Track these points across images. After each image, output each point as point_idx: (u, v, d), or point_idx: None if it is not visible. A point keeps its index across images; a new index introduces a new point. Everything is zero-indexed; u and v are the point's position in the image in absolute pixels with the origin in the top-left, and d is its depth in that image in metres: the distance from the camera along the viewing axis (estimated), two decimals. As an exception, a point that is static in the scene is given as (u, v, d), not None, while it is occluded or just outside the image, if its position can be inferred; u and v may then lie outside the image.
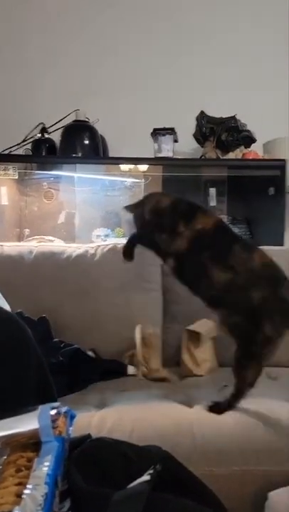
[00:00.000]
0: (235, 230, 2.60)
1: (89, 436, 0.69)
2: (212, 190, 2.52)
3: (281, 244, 2.34)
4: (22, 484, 0.50)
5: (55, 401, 0.71)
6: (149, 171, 2.54)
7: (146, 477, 0.56)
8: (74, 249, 1.93)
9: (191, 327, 1.70)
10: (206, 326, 1.73)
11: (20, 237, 2.56)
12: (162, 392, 1.45)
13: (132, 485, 0.56)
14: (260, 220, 2.61)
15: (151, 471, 0.57)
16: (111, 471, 0.59)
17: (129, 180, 2.68)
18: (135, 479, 0.57)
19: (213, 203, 2.55)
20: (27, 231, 2.61)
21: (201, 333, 1.68)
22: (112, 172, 2.64)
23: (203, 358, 1.67)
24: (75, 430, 0.66)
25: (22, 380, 0.76)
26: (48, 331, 1.62)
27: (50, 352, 1.51)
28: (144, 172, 2.54)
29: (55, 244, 2.15)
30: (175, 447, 1.13)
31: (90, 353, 1.70)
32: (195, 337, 1.70)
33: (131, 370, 1.65)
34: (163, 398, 1.39)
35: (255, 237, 2.64)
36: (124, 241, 2.08)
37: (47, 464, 0.52)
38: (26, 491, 0.48)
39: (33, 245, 2.00)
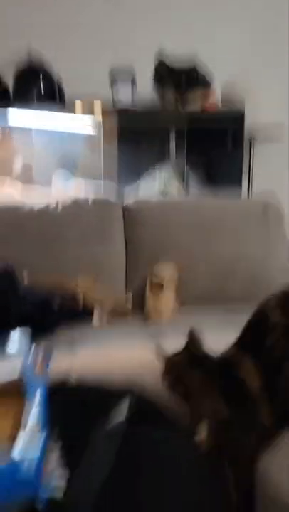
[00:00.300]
0: (194, 175, 2.67)
1: (67, 380, 0.76)
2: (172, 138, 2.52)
3: (239, 191, 2.41)
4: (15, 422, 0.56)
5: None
6: (104, 121, 2.48)
7: (122, 415, 0.63)
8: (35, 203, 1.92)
9: (154, 272, 1.77)
10: (167, 270, 1.81)
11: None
12: (129, 334, 1.53)
13: (110, 423, 0.62)
14: (219, 164, 2.65)
15: (126, 408, 0.64)
16: (92, 410, 0.66)
17: (86, 132, 2.60)
18: (113, 417, 0.64)
19: (172, 148, 2.56)
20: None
21: (163, 277, 1.75)
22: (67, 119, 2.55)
23: (166, 301, 1.76)
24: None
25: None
26: (12, 279, 1.64)
27: (17, 300, 1.55)
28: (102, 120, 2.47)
29: (15, 201, 2.11)
30: (144, 382, 1.24)
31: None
32: (158, 281, 1.77)
33: (96, 319, 1.72)
34: (130, 340, 1.47)
35: (214, 179, 2.69)
36: (83, 188, 2.09)
37: (35, 408, 0.58)
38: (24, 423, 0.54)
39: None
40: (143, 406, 0.68)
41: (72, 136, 2.49)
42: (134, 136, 2.51)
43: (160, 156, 2.66)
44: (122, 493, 0.53)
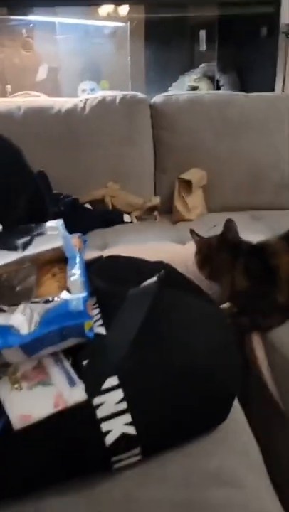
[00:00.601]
0: (225, 78, 2.55)
1: (102, 257, 0.82)
2: (202, 33, 2.36)
3: (272, 89, 2.29)
4: (61, 284, 0.63)
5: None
6: (131, 12, 2.34)
7: (154, 279, 0.69)
8: (62, 103, 1.90)
9: (183, 176, 1.78)
10: (196, 174, 1.81)
11: (3, 94, 2.46)
12: (158, 234, 1.58)
13: (142, 284, 0.69)
14: (252, 65, 2.50)
15: (158, 275, 0.69)
16: (125, 278, 0.72)
17: (112, 25, 2.49)
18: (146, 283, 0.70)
19: (202, 47, 2.41)
20: (9, 87, 2.51)
21: (191, 181, 1.76)
22: (92, 17, 2.43)
23: (194, 204, 1.79)
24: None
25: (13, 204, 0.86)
26: (47, 183, 1.68)
27: (50, 203, 1.60)
28: (128, 14, 2.35)
29: (44, 99, 2.09)
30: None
31: (87, 205, 1.81)
32: (186, 185, 1.79)
33: (127, 218, 1.78)
34: (159, 239, 1.53)
35: (246, 85, 2.58)
36: (110, 93, 2.04)
37: (77, 269, 0.64)
38: (71, 279, 0.61)
39: (20, 101, 1.95)
40: (173, 276, 0.73)
41: (99, 33, 2.38)
42: (163, 32, 2.37)
43: (190, 56, 2.53)
44: (154, 338, 0.60)
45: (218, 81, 2.58)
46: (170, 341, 0.60)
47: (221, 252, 1.09)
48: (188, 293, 0.72)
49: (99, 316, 0.63)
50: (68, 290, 0.64)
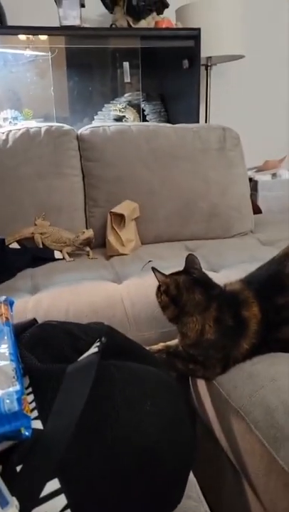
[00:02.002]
0: (150, 107, 2.58)
1: (34, 320, 0.74)
2: (126, 65, 2.37)
3: (196, 120, 2.33)
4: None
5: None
6: (53, 41, 2.29)
7: (94, 349, 0.62)
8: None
9: (115, 209, 1.74)
10: (129, 207, 1.78)
11: None
12: (92, 272, 1.52)
13: (82, 357, 0.62)
14: (176, 95, 2.55)
15: (98, 344, 0.63)
16: (61, 349, 0.65)
17: (34, 54, 2.42)
18: (84, 354, 0.64)
19: (127, 78, 2.42)
20: None
21: (124, 214, 1.72)
22: (11, 44, 2.34)
23: (127, 237, 1.75)
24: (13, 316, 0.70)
25: None
26: None
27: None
28: (49, 44, 2.29)
29: None
30: (110, 319, 1.25)
31: (15, 245, 1.71)
32: (119, 218, 1.75)
33: (58, 255, 1.70)
34: (93, 277, 1.46)
35: (170, 113, 2.61)
36: (35, 124, 1.97)
37: (5, 346, 0.56)
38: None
39: None
40: (114, 341, 0.67)
41: (19, 61, 2.30)
42: (86, 62, 2.34)
43: (115, 85, 2.53)
44: (97, 424, 0.53)
45: (143, 110, 2.59)
46: (116, 426, 0.53)
47: (190, 293, 1.01)
48: (131, 359, 0.66)
49: (34, 404, 0.56)
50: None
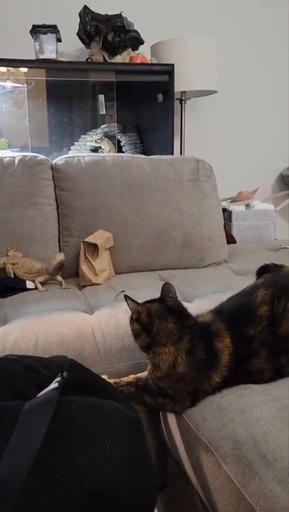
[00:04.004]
0: (126, 138, 2.63)
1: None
2: (101, 98, 2.42)
3: (171, 152, 2.38)
4: None
5: None
6: (30, 74, 2.34)
7: (54, 385, 0.61)
8: None
9: (88, 239, 1.74)
10: (102, 236, 1.78)
11: None
12: (64, 302, 1.50)
13: (41, 394, 0.60)
14: (151, 127, 2.60)
15: (58, 379, 0.61)
16: (20, 385, 0.63)
17: (10, 85, 2.45)
18: (44, 389, 0.62)
19: (102, 110, 2.46)
20: None
21: (98, 244, 1.72)
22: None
23: (101, 267, 1.74)
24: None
25: None
26: None
27: None
28: (25, 76, 2.33)
29: None
30: (80, 351, 1.22)
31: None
32: (92, 248, 1.74)
33: (30, 284, 1.67)
34: (65, 308, 1.44)
35: (145, 145, 2.66)
36: (9, 153, 1.97)
37: None
38: None
39: None
40: (76, 375, 0.65)
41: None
42: (65, 94, 2.39)
43: (92, 116, 2.58)
44: (55, 465, 0.51)
45: (119, 141, 2.64)
46: (72, 468, 0.51)
47: (163, 322, 0.99)
48: (94, 394, 0.64)
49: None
50: None
